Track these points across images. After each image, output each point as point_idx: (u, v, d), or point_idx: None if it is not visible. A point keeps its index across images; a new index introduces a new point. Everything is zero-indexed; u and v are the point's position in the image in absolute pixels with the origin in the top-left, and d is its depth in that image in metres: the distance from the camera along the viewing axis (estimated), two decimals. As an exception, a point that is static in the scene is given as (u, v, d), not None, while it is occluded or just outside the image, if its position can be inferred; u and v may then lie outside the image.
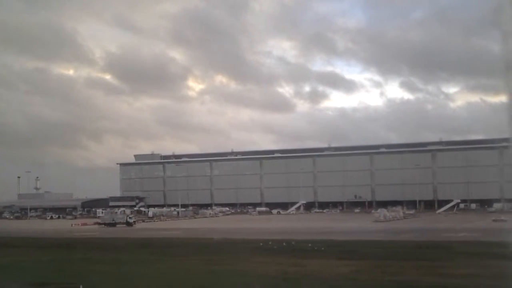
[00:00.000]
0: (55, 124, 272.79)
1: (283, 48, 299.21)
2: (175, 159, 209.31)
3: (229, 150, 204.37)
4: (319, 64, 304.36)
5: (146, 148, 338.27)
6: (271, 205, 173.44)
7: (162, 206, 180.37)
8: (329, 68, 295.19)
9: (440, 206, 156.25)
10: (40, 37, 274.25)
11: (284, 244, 47.40)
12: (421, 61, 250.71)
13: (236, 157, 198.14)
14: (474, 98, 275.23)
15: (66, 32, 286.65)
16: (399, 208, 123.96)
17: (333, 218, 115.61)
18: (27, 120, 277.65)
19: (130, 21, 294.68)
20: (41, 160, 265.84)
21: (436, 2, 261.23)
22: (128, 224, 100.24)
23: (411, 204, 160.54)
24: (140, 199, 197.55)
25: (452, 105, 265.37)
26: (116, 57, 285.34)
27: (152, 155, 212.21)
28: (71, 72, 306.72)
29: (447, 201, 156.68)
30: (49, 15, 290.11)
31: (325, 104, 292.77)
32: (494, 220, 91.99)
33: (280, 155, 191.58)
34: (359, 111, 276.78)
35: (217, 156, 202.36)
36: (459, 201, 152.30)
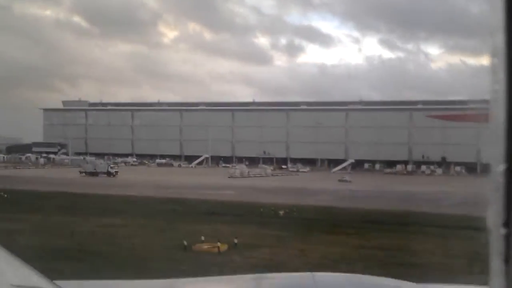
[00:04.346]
0: (25, 67, 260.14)
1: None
2: (102, 107, 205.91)
3: (156, 101, 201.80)
4: (294, 17, 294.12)
5: (122, 95, 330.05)
6: (193, 158, 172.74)
7: (85, 154, 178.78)
8: (305, 22, 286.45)
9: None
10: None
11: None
12: (399, 19, 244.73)
13: (156, 108, 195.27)
14: (454, 59, 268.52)
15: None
16: (266, 166, 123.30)
17: (206, 173, 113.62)
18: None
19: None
20: (10, 103, 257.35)
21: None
22: (109, 174, 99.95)
23: (323, 162, 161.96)
24: (62, 145, 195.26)
25: (433, 65, 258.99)
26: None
27: (80, 102, 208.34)
28: (37, 11, 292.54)
29: (358, 160, 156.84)
30: None
31: (303, 59, 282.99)
32: (339, 180, 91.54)
33: (203, 107, 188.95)
34: (339, 67, 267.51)
35: (144, 106, 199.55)
36: (353, 160, 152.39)
